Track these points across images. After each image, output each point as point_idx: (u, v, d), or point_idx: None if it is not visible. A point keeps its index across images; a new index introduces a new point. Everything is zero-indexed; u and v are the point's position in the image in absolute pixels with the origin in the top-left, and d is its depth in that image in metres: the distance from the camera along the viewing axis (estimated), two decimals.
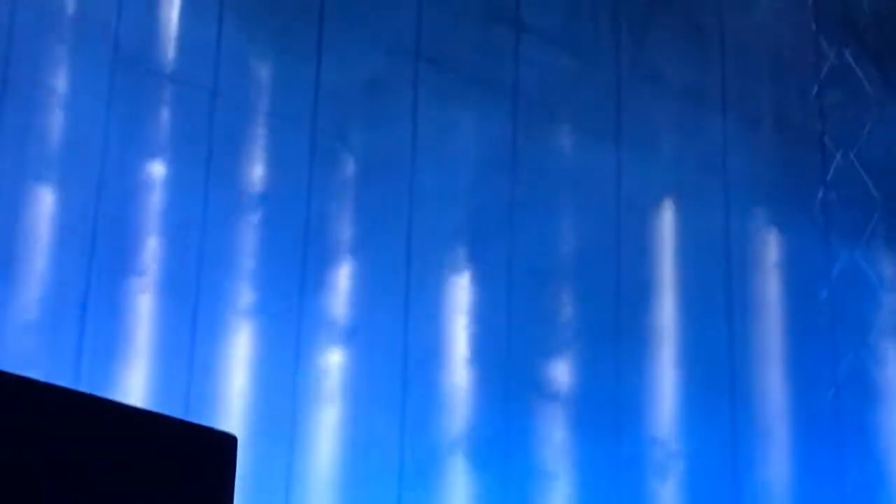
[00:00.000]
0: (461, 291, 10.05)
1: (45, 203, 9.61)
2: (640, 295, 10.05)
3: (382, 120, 9.82)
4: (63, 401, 2.11)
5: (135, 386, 9.65)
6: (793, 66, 10.41)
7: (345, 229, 10.05)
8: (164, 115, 9.57)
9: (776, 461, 9.65)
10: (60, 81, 9.41)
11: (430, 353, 9.83)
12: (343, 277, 10.01)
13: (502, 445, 9.59)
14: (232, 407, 9.69)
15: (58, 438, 2.10)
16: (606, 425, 9.64)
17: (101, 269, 9.67)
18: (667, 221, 10.11)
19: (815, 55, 10.48)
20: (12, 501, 2.01)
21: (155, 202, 9.61)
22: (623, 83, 10.22)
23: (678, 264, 10.08)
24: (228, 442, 2.30)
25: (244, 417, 9.50)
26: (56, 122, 9.38)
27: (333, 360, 9.90)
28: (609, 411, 9.67)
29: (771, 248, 10.15)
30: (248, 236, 9.99)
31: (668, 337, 9.91)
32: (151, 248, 9.81)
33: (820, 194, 10.08)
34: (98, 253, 9.66)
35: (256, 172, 9.77)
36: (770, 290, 10.01)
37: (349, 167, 9.93)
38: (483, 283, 10.11)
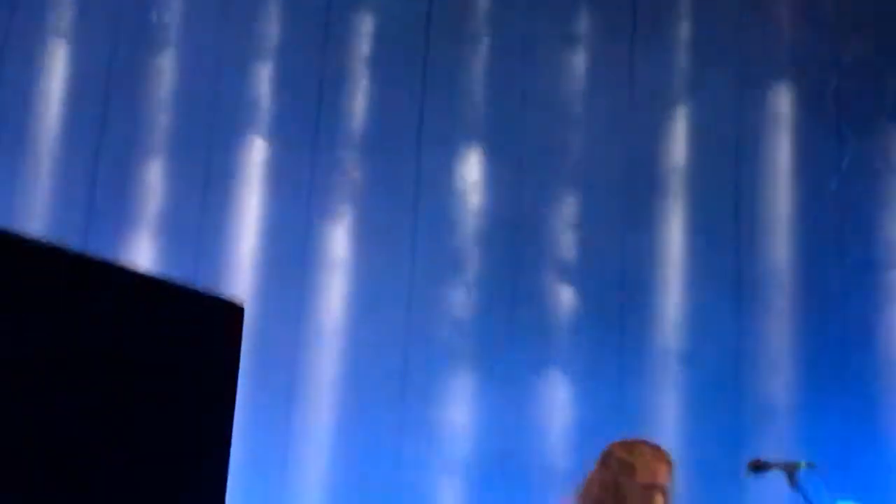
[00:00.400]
0: (472, 167, 10.03)
1: (59, 59, 9.59)
2: (650, 177, 10.03)
3: None
4: (69, 263, 2.12)
5: (143, 251, 9.68)
6: None
7: (359, 90, 10.02)
8: None
9: (780, 341, 9.70)
10: None
11: (440, 224, 9.85)
12: (354, 140, 10.02)
13: (507, 323, 9.63)
14: (240, 273, 9.73)
15: (61, 301, 2.11)
16: (612, 304, 9.69)
17: (112, 131, 9.66)
18: (679, 109, 10.07)
19: None
20: (16, 364, 2.03)
21: (168, 55, 9.59)
22: None
23: (689, 151, 10.05)
24: (235, 311, 2.30)
25: (253, 283, 9.54)
26: None
27: (343, 227, 9.93)
28: (615, 290, 9.71)
29: (782, 136, 10.11)
30: (262, 91, 9.98)
31: (676, 223, 9.91)
32: (163, 107, 9.79)
33: (834, 83, 10.00)
34: (110, 111, 9.65)
35: (272, 27, 9.76)
36: (780, 177, 9.99)
37: (365, 26, 9.89)
38: (494, 160, 10.09)
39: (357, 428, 9.54)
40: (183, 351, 2.28)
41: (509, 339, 9.57)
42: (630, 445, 5.39)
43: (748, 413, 9.47)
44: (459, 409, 9.57)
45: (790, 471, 5.13)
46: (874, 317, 9.62)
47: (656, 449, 5.33)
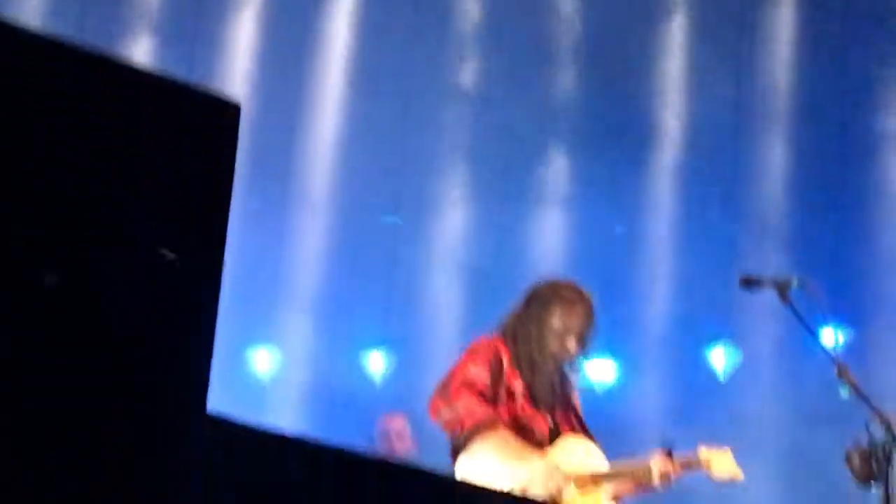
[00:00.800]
0: None
1: None
2: None
3: None
4: (60, 55, 2.08)
5: (139, 48, 9.57)
6: None
7: None
8: None
9: (778, 158, 9.71)
10: None
11: (437, 42, 9.79)
12: None
13: (506, 117, 9.61)
14: (236, 75, 9.66)
15: (49, 93, 2.08)
16: (611, 114, 9.66)
17: None
18: None
19: None
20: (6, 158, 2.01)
21: None
22: None
23: None
24: (231, 109, 2.27)
25: (249, 87, 9.49)
26: None
27: (341, 28, 9.84)
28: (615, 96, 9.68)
29: None
30: None
31: (679, 35, 9.85)
32: None
33: None
34: None
35: None
36: None
37: None
38: None
39: (353, 230, 9.57)
40: (176, 149, 2.25)
41: (505, 144, 9.56)
42: (554, 286, 5.37)
43: (743, 229, 9.51)
44: (456, 216, 9.59)
45: (782, 288, 5.12)
46: (874, 136, 9.60)
47: (579, 292, 5.31)
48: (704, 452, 5.24)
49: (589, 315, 5.31)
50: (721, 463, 5.25)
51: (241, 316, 8.81)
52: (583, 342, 5.30)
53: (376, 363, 9.56)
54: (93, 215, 2.05)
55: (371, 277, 9.44)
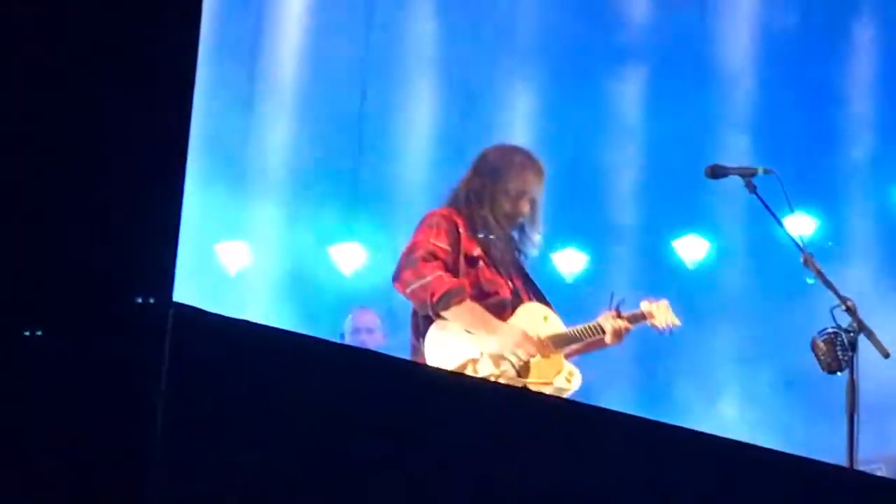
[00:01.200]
0: None
1: None
2: None
3: None
4: None
5: None
6: None
7: None
8: None
9: (744, 49, 9.71)
10: None
11: None
12: None
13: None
14: None
15: None
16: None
17: None
18: None
19: None
20: None
21: None
22: None
23: None
24: None
25: None
26: None
27: None
28: None
29: None
30: None
31: None
32: None
33: None
34: None
35: None
36: None
37: None
38: None
39: (321, 123, 9.52)
40: (140, 23, 2.24)
41: (475, 56, 9.53)
42: (504, 150, 5.44)
43: (711, 120, 9.51)
44: (426, 108, 9.56)
45: (747, 176, 5.17)
46: (837, 31, 9.60)
47: (529, 157, 5.37)
48: (646, 305, 5.49)
49: (540, 178, 5.40)
50: (661, 313, 5.47)
51: (209, 211, 8.77)
52: (534, 205, 5.38)
53: (347, 257, 9.53)
54: (58, 88, 2.04)
55: (341, 171, 9.41)
